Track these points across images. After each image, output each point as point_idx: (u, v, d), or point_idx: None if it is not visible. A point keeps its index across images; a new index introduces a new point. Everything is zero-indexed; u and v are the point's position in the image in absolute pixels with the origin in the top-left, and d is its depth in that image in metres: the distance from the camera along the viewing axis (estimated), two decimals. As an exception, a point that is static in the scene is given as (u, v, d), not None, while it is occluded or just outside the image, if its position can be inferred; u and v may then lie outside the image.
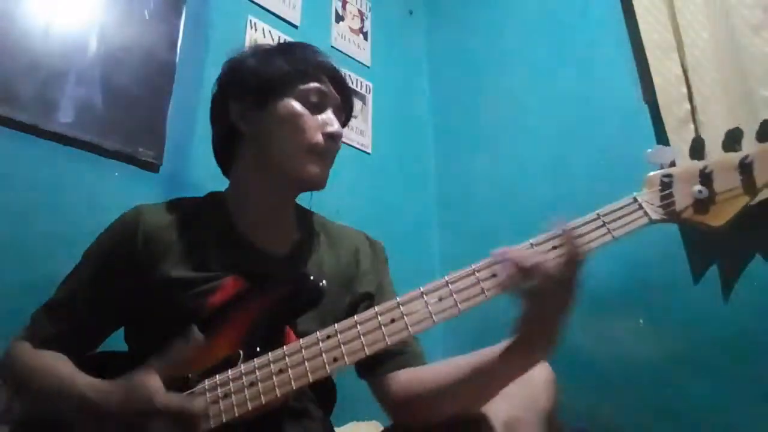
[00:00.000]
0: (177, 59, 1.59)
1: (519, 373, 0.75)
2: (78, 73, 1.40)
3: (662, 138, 1.54)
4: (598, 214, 0.72)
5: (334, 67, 0.98)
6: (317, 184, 0.95)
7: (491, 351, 0.76)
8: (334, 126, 0.93)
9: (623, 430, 1.48)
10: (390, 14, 2.40)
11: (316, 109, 0.93)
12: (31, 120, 1.30)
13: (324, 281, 0.83)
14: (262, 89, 0.93)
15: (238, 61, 0.98)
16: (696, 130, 1.46)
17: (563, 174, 1.82)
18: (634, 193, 0.73)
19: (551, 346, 0.72)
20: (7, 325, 1.17)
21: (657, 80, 1.55)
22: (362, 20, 2.26)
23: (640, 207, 0.71)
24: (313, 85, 0.93)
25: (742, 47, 1.40)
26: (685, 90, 1.50)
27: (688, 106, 1.49)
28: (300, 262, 0.96)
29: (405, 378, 0.89)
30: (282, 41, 1.87)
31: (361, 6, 2.28)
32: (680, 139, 1.48)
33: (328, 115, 0.94)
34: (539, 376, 0.82)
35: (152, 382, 0.71)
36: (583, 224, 0.71)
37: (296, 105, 0.92)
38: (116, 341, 0.96)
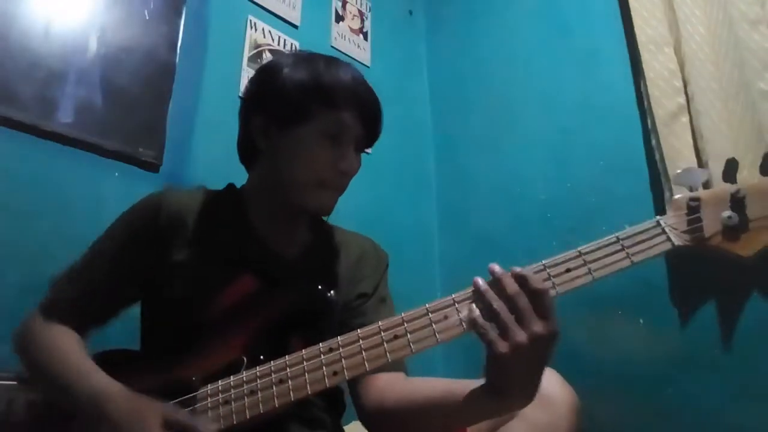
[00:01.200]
0: (177, 59, 1.59)
1: (492, 416, 0.73)
2: (78, 73, 1.40)
3: (652, 131, 1.54)
4: (617, 237, 0.68)
5: (367, 96, 0.93)
6: (322, 213, 0.95)
7: (467, 386, 0.72)
8: (349, 164, 0.91)
9: (623, 430, 1.48)
10: (390, 14, 2.40)
11: (336, 141, 0.90)
12: (31, 120, 1.30)
13: (332, 291, 0.84)
14: (283, 112, 0.91)
15: (272, 71, 0.94)
16: (691, 121, 1.47)
17: (563, 175, 1.82)
18: (657, 217, 0.69)
19: (526, 398, 0.67)
20: (8, 325, 1.17)
21: (649, 74, 1.55)
22: (362, 20, 2.26)
23: (663, 231, 0.67)
24: (337, 116, 0.89)
25: (740, 41, 1.40)
26: (678, 84, 1.51)
27: (682, 101, 1.49)
28: (310, 266, 0.97)
29: (382, 383, 0.88)
30: (282, 40, 1.89)
31: (361, 6, 2.28)
32: (671, 132, 1.48)
33: (346, 151, 0.91)
34: (562, 401, 0.79)
35: (154, 414, 0.70)
36: (601, 247, 0.68)
37: (314, 136, 0.89)
38: (129, 339, 0.96)
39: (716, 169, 1.36)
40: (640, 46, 1.59)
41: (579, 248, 0.68)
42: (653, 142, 1.55)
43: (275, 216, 0.96)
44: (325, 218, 1.05)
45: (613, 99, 1.74)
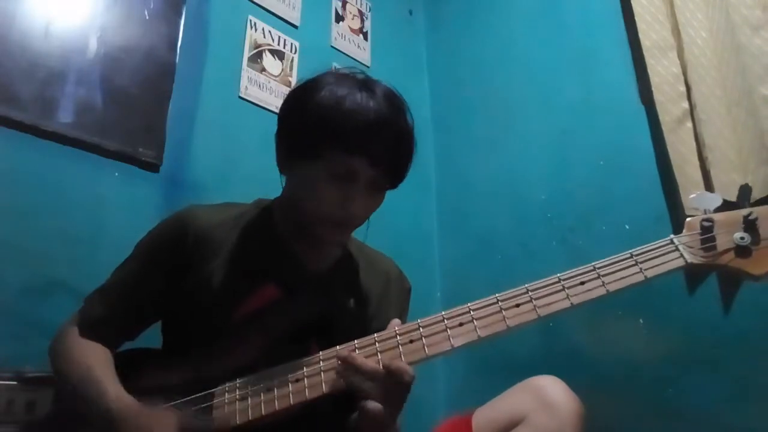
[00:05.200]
0: (177, 59, 1.59)
1: None
2: (78, 73, 1.40)
3: (659, 138, 1.54)
4: (631, 254, 0.72)
5: (388, 136, 0.85)
6: (333, 245, 0.97)
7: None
8: (356, 207, 0.86)
9: (623, 430, 1.48)
10: (390, 14, 2.40)
11: (345, 180, 0.85)
12: (31, 120, 1.30)
13: (352, 300, 0.87)
14: (293, 146, 0.89)
15: (294, 98, 0.91)
16: (695, 128, 1.47)
17: (563, 175, 1.82)
18: (671, 235, 0.72)
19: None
20: (7, 325, 1.17)
21: (654, 79, 1.55)
22: (362, 20, 2.26)
23: (676, 249, 0.71)
24: (345, 159, 0.83)
25: (742, 46, 1.40)
26: (682, 89, 1.51)
27: (686, 105, 1.49)
28: (337, 281, 0.98)
29: None
30: (282, 40, 1.89)
31: (361, 6, 2.28)
32: (677, 139, 1.48)
33: (355, 192, 0.85)
34: (567, 408, 0.81)
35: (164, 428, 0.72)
36: (615, 262, 0.72)
37: (322, 175, 0.85)
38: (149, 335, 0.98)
39: (719, 176, 1.38)
40: (644, 51, 1.58)
41: (594, 263, 0.72)
42: (657, 146, 1.56)
43: (302, 232, 0.95)
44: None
45: (612, 99, 1.74)
